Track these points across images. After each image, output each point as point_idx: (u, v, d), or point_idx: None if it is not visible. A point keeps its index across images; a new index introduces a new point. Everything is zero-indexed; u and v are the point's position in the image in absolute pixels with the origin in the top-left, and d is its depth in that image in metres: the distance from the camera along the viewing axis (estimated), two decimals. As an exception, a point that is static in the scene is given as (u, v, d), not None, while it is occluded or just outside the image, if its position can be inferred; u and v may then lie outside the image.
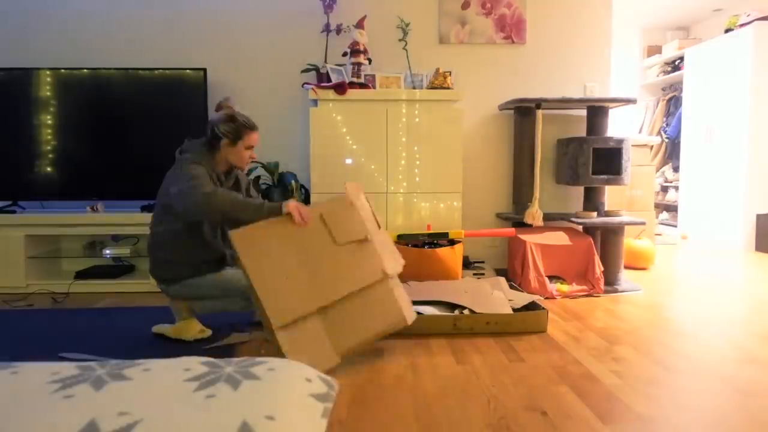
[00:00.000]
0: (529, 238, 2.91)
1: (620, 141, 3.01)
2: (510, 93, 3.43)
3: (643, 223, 3.01)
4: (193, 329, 2.11)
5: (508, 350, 1.98)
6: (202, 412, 0.84)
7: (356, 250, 1.85)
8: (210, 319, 2.22)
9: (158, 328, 2.15)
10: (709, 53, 4.66)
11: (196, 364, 1.04)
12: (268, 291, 1.70)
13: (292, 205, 1.82)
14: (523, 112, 3.24)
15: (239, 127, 2.04)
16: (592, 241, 2.93)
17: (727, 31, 4.52)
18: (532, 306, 2.30)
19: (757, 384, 1.65)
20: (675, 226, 5.16)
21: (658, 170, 5.63)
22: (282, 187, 2.95)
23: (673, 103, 5.55)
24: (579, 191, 3.45)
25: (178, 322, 2.12)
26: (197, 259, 2.05)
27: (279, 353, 1.67)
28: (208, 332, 2.14)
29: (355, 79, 3.00)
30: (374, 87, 3.08)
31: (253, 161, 3.07)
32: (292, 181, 3.01)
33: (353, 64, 3.03)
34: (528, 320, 2.17)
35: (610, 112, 3.18)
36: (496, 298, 2.29)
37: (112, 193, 3.09)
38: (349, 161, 2.94)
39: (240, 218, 1.84)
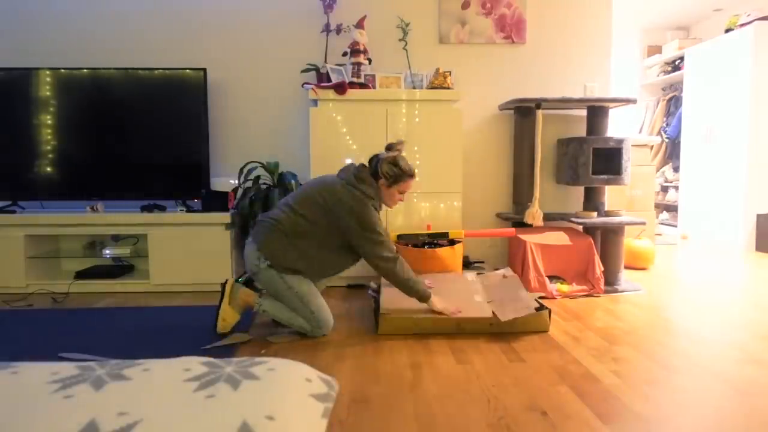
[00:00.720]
0: (529, 238, 2.91)
1: (620, 141, 3.01)
2: (510, 93, 3.43)
3: (643, 223, 3.01)
4: (232, 319, 2.16)
5: (508, 350, 1.98)
6: (202, 412, 0.84)
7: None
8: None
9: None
10: (709, 53, 4.66)
11: (196, 364, 1.04)
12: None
13: (438, 308, 2.16)
14: (523, 112, 3.24)
15: (400, 174, 2.18)
16: (592, 241, 2.93)
17: (727, 31, 4.52)
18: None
19: (757, 384, 1.65)
20: (675, 226, 5.17)
21: (658, 170, 5.64)
22: (282, 187, 2.95)
23: (673, 103, 5.55)
24: (579, 191, 3.45)
25: (229, 306, 2.17)
26: (312, 261, 2.14)
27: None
28: (227, 330, 2.18)
29: (355, 79, 3.00)
30: (374, 87, 3.08)
31: (253, 161, 3.09)
32: (292, 181, 3.01)
33: (353, 64, 3.03)
34: (530, 320, 2.17)
35: (610, 112, 3.18)
36: (522, 298, 2.27)
37: (112, 193, 3.09)
38: (349, 161, 2.94)
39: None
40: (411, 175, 2.21)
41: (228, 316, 2.15)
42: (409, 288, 2.14)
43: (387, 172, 2.16)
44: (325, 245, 2.13)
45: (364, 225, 2.07)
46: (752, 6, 4.66)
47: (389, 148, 2.22)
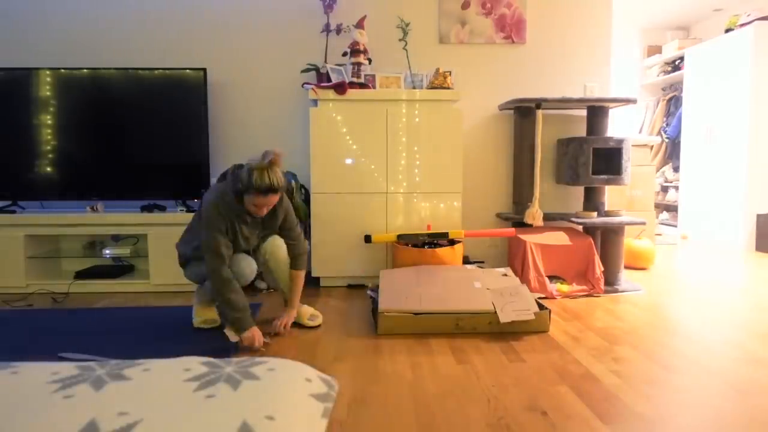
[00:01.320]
0: (529, 238, 2.91)
1: (620, 141, 3.01)
2: (510, 93, 3.43)
3: (643, 223, 3.01)
4: (204, 314, 2.28)
5: (508, 350, 1.98)
6: (202, 412, 0.84)
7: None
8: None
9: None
10: (709, 53, 4.66)
11: (196, 364, 1.04)
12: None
13: (246, 336, 1.96)
14: (523, 112, 3.24)
15: (248, 186, 1.94)
16: (592, 241, 2.93)
17: (727, 31, 4.52)
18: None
19: (757, 384, 1.65)
20: (675, 226, 5.16)
21: (658, 170, 5.63)
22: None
23: (673, 103, 5.55)
24: (579, 191, 3.45)
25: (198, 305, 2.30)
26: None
27: None
28: (214, 324, 2.27)
29: (355, 79, 3.00)
30: (374, 87, 3.08)
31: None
32: (292, 181, 3.01)
33: (353, 64, 3.03)
34: (530, 320, 2.17)
35: (610, 112, 3.18)
36: (523, 295, 2.27)
37: (112, 193, 3.09)
38: (349, 161, 2.94)
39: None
40: (259, 191, 1.93)
41: (200, 310, 2.29)
42: (221, 297, 1.96)
43: (241, 179, 1.96)
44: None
45: (203, 223, 2.02)
46: (752, 6, 4.66)
47: (263, 156, 1.97)
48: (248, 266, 2.13)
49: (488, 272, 2.53)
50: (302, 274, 2.27)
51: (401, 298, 2.23)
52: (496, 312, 2.15)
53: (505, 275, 2.50)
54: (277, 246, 2.22)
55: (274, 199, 2.01)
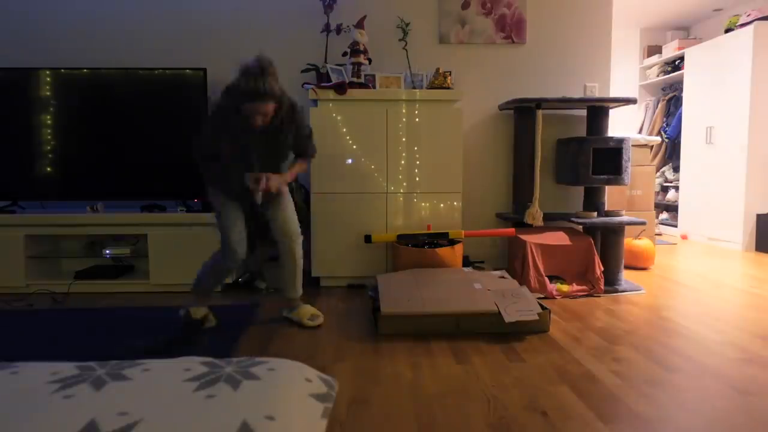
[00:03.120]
0: (529, 238, 2.91)
1: (620, 141, 3.01)
2: (510, 93, 3.43)
3: (643, 223, 3.01)
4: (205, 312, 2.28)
5: (509, 350, 1.98)
6: (202, 412, 0.84)
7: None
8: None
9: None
10: (708, 53, 4.66)
11: (196, 364, 1.04)
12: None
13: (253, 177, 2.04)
14: (523, 112, 3.24)
15: (237, 96, 1.93)
16: (592, 241, 2.93)
17: (727, 31, 4.52)
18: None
19: (757, 384, 1.65)
20: (675, 226, 5.17)
21: (658, 170, 5.63)
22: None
23: (673, 103, 5.55)
24: (579, 191, 3.45)
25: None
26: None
27: None
28: (210, 323, 2.28)
29: (355, 79, 3.00)
30: (374, 87, 3.08)
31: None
32: (292, 183, 3.00)
33: (353, 64, 3.03)
34: (531, 320, 2.17)
35: (610, 112, 3.18)
36: (524, 296, 2.27)
37: (112, 193, 3.09)
38: (349, 161, 2.94)
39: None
40: (252, 96, 1.89)
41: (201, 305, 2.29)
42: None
43: (232, 86, 1.94)
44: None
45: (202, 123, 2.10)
46: (752, 6, 4.66)
47: (254, 61, 1.92)
48: (241, 243, 2.14)
49: (485, 274, 2.54)
50: (306, 161, 2.31)
51: (403, 301, 2.22)
52: (499, 312, 2.15)
53: (503, 277, 2.51)
54: (290, 236, 2.27)
55: (266, 107, 1.94)
